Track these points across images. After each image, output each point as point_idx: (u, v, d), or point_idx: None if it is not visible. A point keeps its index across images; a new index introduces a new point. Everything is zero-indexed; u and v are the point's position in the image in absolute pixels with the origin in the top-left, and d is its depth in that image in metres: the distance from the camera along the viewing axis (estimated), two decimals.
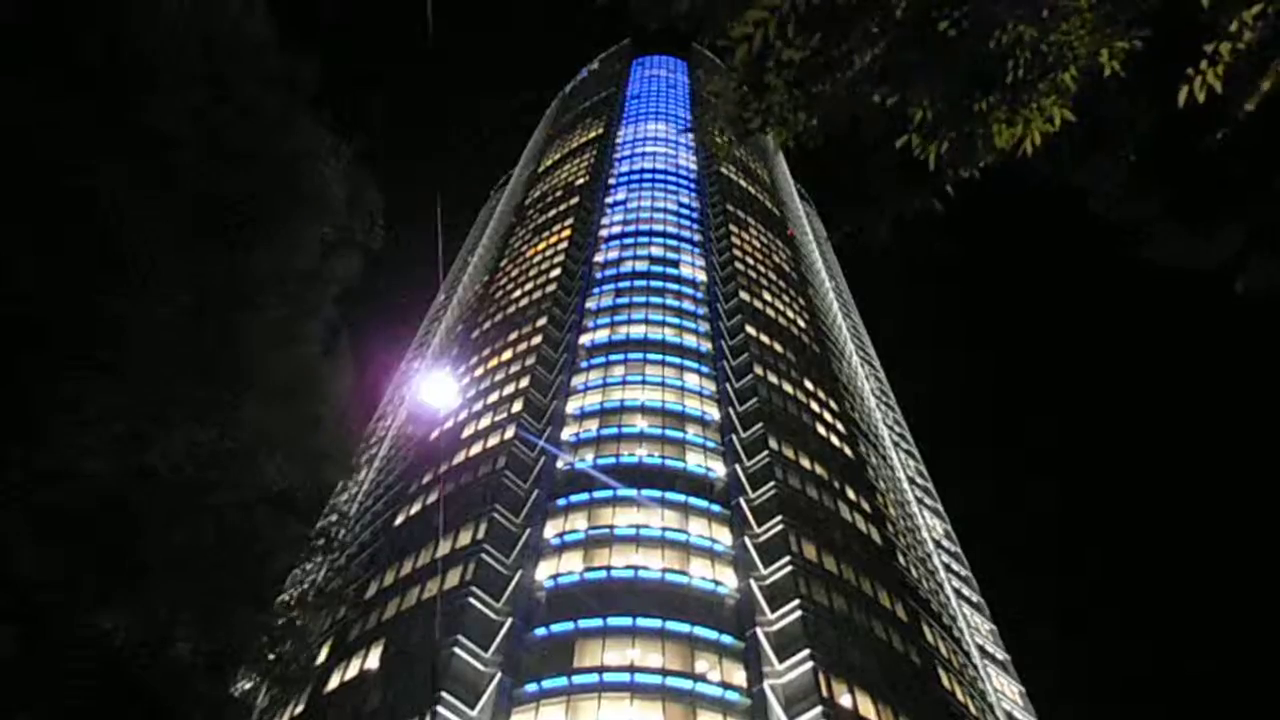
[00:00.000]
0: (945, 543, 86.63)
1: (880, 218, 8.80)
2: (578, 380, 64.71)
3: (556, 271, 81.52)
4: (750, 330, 71.60)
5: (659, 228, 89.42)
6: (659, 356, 66.53)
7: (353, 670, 44.06)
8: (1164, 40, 6.64)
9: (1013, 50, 6.62)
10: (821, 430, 65.79)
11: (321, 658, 47.12)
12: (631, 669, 40.74)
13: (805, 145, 7.76)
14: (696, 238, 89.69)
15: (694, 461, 56.03)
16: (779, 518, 50.15)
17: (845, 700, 40.02)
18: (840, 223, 8.97)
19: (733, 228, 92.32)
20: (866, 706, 40.53)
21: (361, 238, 16.07)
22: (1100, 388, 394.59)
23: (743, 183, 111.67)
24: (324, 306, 16.00)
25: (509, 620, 42.95)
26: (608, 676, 40.20)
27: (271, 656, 15.09)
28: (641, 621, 43.04)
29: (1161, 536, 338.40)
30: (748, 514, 51.36)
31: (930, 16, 6.67)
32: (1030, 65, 6.62)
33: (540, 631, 42.93)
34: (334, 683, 44.18)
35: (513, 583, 45.35)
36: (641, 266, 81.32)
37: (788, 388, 67.40)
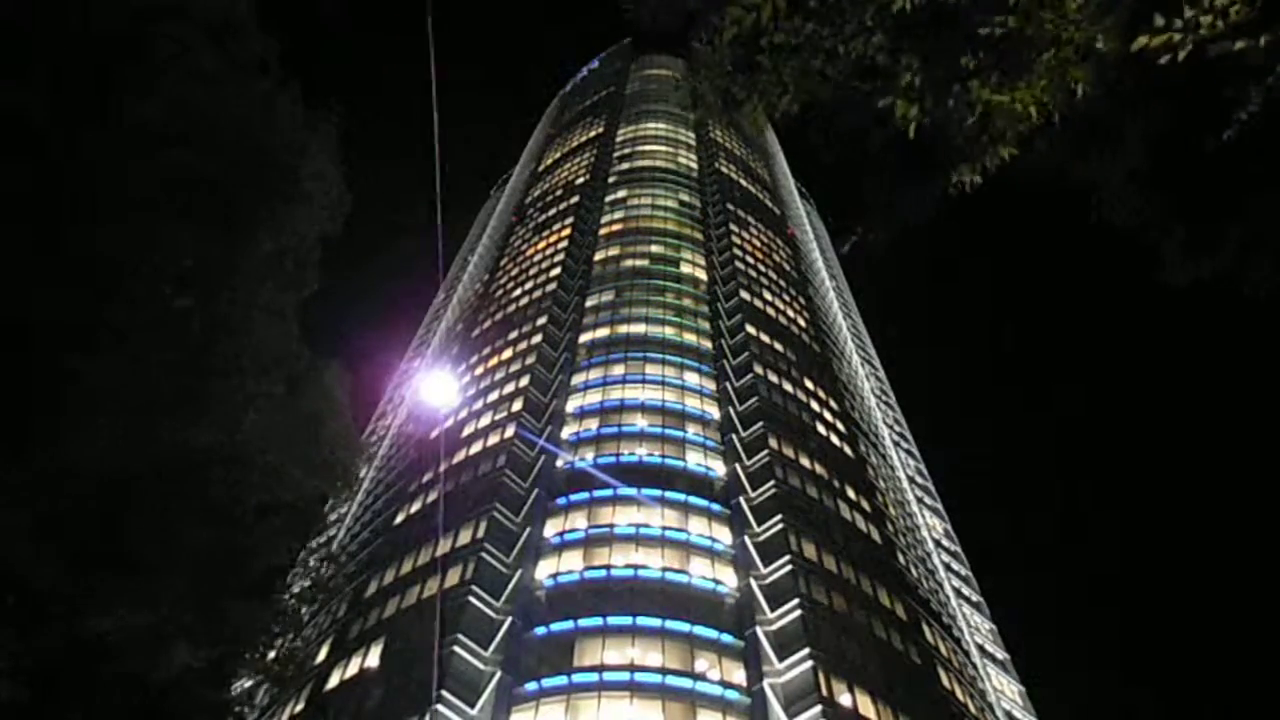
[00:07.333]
0: (945, 542, 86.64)
1: (883, 224, 8.81)
2: (578, 379, 64.67)
3: (557, 270, 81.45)
4: (750, 329, 71.54)
5: (659, 226, 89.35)
6: (659, 355, 66.49)
7: (353, 668, 44.06)
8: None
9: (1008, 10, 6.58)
10: (821, 429, 65.78)
11: (321, 656, 47.18)
12: (631, 668, 40.75)
13: (783, 111, 7.71)
14: (697, 236, 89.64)
15: (694, 460, 56.01)
16: (779, 517, 50.14)
17: (845, 699, 40.03)
18: (846, 231, 8.97)
19: (733, 227, 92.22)
20: (866, 706, 40.53)
21: (332, 209, 16.05)
22: (1101, 387, 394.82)
23: (743, 182, 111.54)
24: (312, 290, 16.03)
25: (509, 619, 42.96)
26: (607, 675, 40.21)
27: (271, 655, 15.06)
28: (641, 620, 43.05)
29: (1164, 535, 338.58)
30: (747, 513, 51.33)
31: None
32: (1025, 39, 6.59)
33: (540, 630, 42.94)
34: (334, 681, 44.19)
35: (512, 582, 45.36)
36: (642, 265, 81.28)
37: (788, 387, 67.36)
